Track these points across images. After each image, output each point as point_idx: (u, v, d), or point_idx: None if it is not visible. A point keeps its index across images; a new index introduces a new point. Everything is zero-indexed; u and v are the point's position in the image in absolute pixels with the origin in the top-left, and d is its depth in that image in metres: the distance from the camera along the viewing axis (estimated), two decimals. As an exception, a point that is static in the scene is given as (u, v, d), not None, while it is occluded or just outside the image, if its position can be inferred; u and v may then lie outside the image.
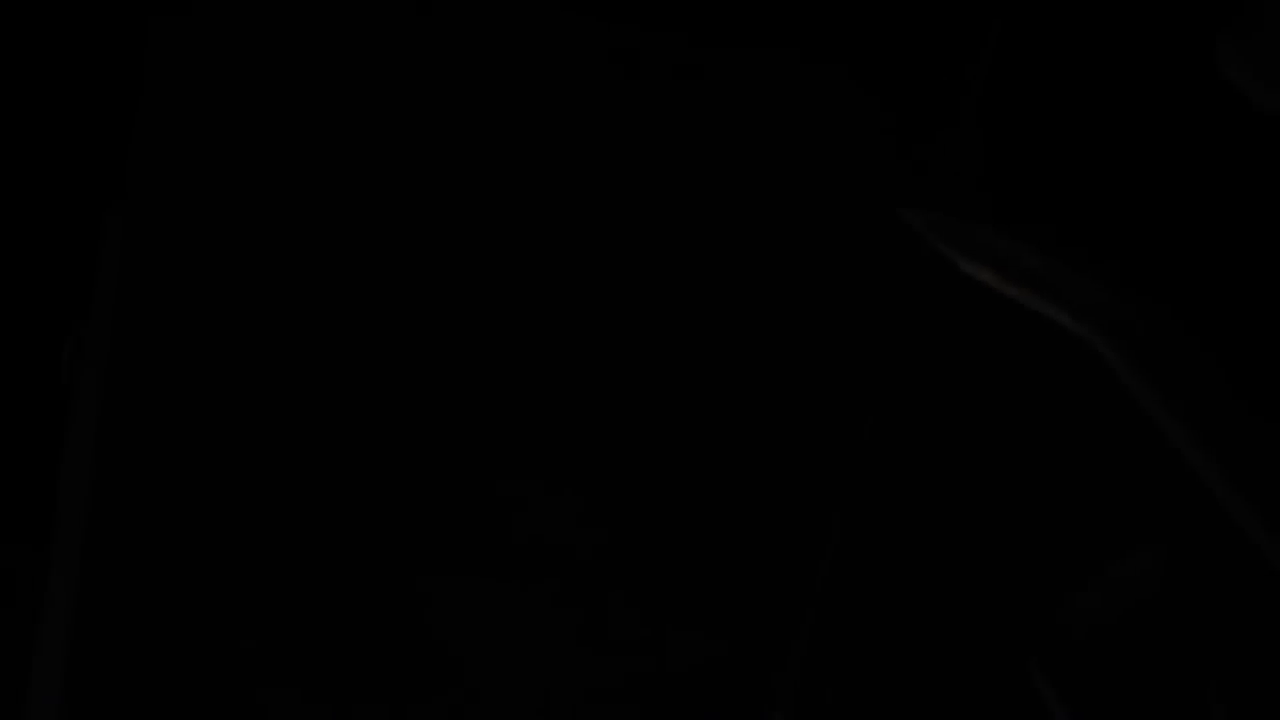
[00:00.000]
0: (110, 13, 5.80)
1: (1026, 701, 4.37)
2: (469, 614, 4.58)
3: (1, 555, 4.36)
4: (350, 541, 4.69)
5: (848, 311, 6.50)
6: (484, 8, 7.40)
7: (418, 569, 4.56)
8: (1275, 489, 2.27)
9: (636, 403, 5.51)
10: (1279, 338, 6.07)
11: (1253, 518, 2.24)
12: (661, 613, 4.63)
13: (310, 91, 7.70)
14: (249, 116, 7.21)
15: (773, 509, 4.75)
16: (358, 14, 7.95)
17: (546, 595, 4.61)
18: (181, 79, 7.18)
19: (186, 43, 7.55)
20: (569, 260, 6.64)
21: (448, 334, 5.76)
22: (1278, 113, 2.67)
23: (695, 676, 4.42)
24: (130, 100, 6.23)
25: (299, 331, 5.87)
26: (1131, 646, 4.84)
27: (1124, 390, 2.61)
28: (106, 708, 3.91)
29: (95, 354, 4.92)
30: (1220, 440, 2.36)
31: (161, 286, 5.65)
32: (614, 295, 5.96)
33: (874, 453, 4.45)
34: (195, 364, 5.35)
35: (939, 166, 5.96)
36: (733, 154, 7.40)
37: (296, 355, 5.60)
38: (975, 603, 4.26)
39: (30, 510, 4.34)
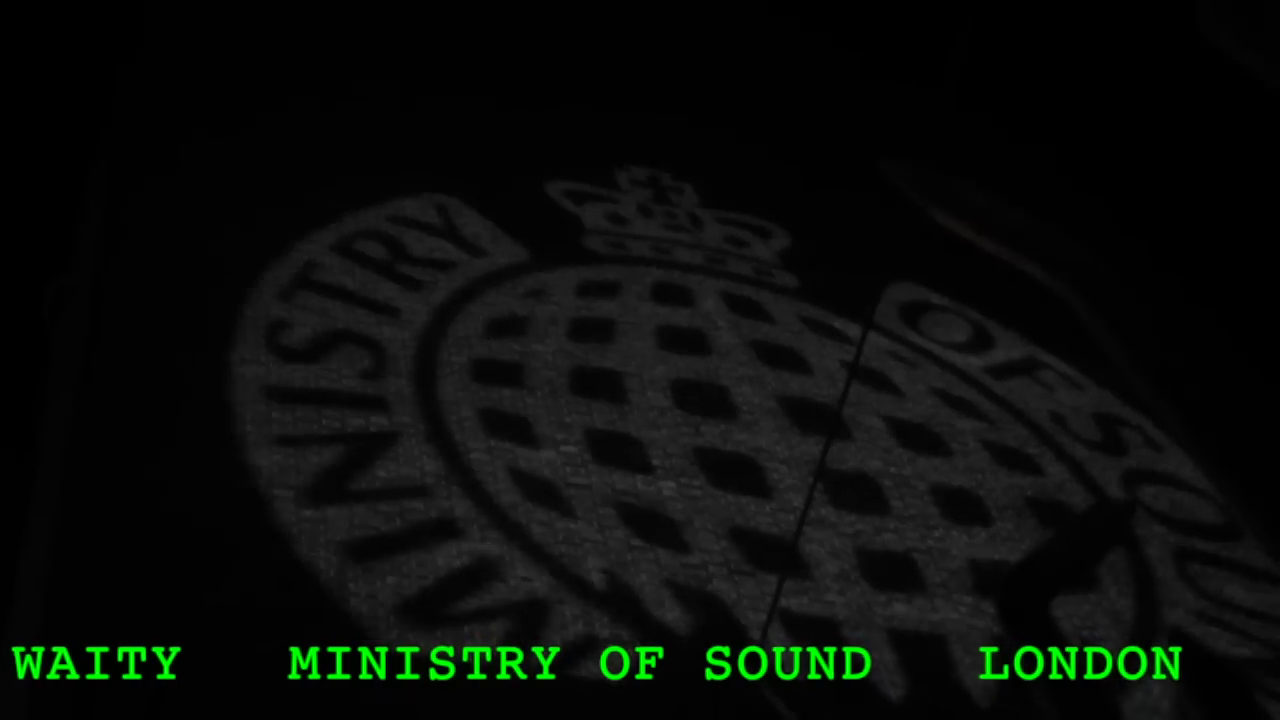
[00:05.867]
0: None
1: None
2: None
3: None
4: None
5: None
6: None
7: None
8: (1231, 439, 2.28)
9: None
10: (1256, 290, 6.06)
11: (1207, 459, 2.26)
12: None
13: (301, 48, 7.66)
14: (235, 71, 7.18)
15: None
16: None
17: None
18: (171, 33, 7.15)
19: (176, 3, 7.51)
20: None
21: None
22: (1257, 70, 2.68)
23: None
24: (116, 54, 6.20)
25: (277, 277, 5.85)
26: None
27: (1091, 334, 2.63)
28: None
29: (77, 299, 4.93)
30: (1177, 390, 2.37)
31: (144, 234, 5.65)
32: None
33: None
34: (177, 309, 5.36)
35: (922, 120, 5.97)
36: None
37: (273, 299, 5.61)
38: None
39: (12, 449, 4.35)
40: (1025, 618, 2.63)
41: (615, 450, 5.19)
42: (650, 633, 4.43)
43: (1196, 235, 6.26)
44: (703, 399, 5.55)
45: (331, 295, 5.65)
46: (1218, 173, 6.38)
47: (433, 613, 4.31)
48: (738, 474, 5.19)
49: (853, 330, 6.19)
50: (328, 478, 4.72)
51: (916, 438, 5.64)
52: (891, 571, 4.91)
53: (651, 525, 4.88)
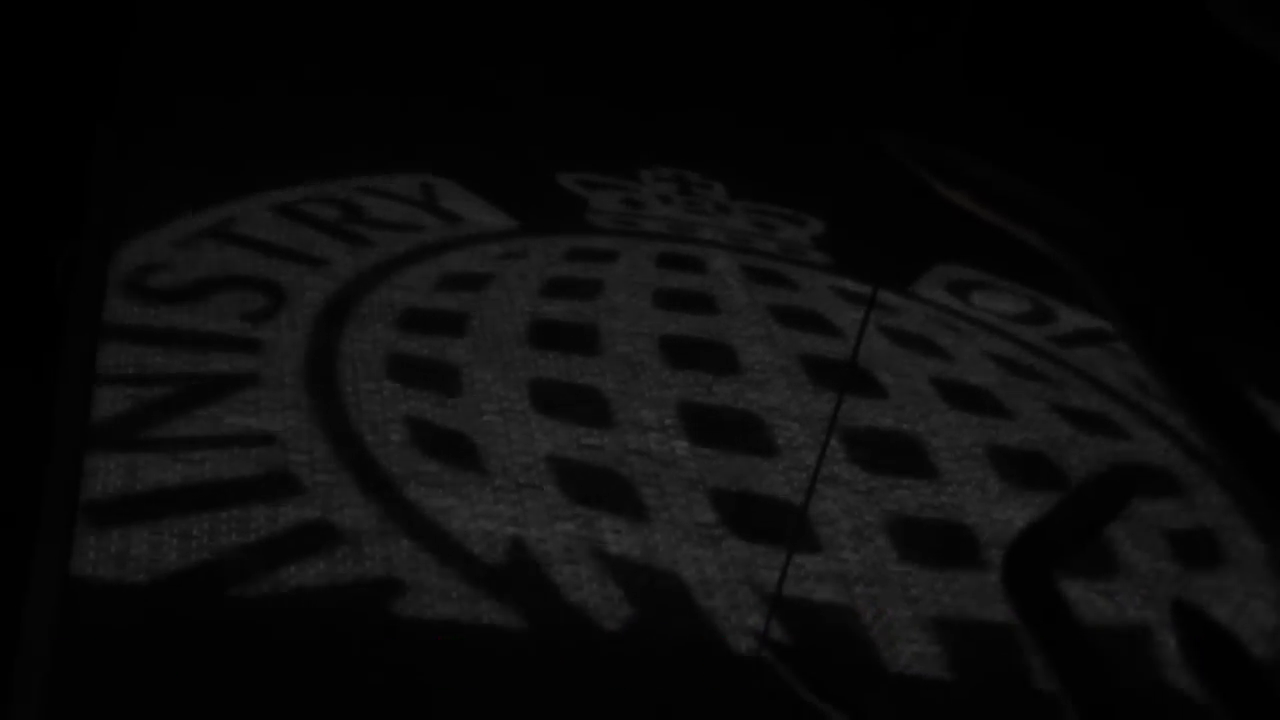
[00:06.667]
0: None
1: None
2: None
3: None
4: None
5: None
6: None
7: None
8: (1234, 410, 2.29)
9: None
10: (1258, 254, 6.03)
11: (1208, 429, 2.26)
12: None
13: (306, 13, 7.62)
14: (242, 35, 7.17)
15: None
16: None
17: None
18: (181, 11, 7.13)
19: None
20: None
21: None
22: (1260, 43, 2.65)
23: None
24: (122, 17, 6.19)
25: (286, 246, 5.85)
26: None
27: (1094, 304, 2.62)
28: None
29: (89, 268, 4.94)
30: (1178, 361, 2.37)
31: (154, 202, 5.65)
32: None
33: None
34: (185, 275, 5.36)
35: (919, 88, 5.92)
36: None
37: (282, 266, 5.61)
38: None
39: (27, 421, 4.36)
40: (1029, 586, 2.64)
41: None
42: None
43: (1210, 213, 6.19)
44: (706, 357, 5.39)
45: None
46: (1228, 149, 6.30)
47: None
48: (741, 433, 5.05)
49: (889, 298, 5.98)
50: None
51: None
52: (907, 528, 4.87)
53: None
